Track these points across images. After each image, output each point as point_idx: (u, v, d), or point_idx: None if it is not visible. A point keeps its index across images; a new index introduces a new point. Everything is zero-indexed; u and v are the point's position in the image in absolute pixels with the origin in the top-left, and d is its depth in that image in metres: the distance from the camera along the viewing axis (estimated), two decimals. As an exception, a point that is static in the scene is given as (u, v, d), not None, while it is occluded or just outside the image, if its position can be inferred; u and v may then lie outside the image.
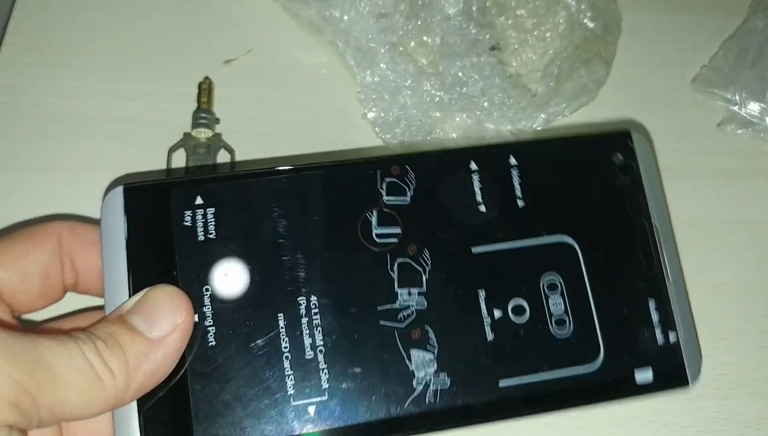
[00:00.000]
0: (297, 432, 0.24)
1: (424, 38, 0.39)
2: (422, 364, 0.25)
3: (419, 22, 0.39)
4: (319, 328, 0.25)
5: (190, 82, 0.38)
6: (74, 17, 0.40)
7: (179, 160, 0.37)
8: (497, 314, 0.26)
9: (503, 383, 0.25)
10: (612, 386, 0.26)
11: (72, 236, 0.26)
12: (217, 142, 0.37)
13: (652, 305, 0.27)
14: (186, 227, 0.25)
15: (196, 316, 0.24)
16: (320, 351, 0.25)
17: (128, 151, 0.37)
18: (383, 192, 0.26)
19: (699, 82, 0.43)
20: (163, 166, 0.36)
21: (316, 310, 0.25)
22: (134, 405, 0.23)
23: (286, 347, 0.24)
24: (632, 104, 0.42)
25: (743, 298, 0.38)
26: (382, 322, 0.25)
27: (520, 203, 0.27)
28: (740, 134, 0.42)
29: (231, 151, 0.37)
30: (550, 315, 0.26)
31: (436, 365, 0.25)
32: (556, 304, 0.26)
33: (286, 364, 0.24)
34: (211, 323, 0.24)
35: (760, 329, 0.37)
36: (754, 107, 0.42)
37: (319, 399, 0.24)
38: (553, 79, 0.39)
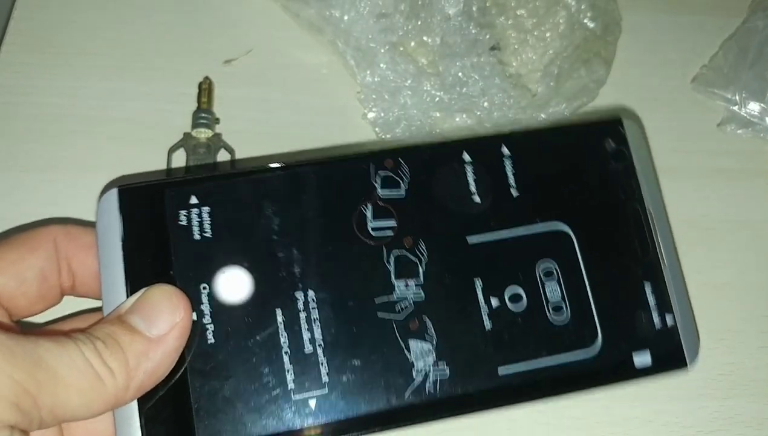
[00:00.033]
0: (299, 426, 0.24)
1: (424, 38, 0.39)
2: (421, 354, 0.25)
3: (419, 22, 0.39)
4: (318, 322, 0.25)
5: (190, 82, 0.38)
6: (74, 17, 0.40)
7: (179, 160, 0.37)
8: (494, 302, 0.26)
9: (502, 370, 0.25)
10: (611, 370, 0.26)
11: (68, 240, 0.26)
12: (217, 142, 0.37)
13: (648, 288, 0.27)
14: (181, 226, 0.25)
15: (195, 314, 0.24)
16: (319, 345, 0.25)
17: (128, 151, 0.37)
18: (377, 185, 0.27)
19: (699, 82, 0.43)
20: (163, 166, 0.36)
21: (314, 304, 0.25)
22: (135, 405, 0.23)
23: (285, 342, 0.25)
24: (632, 104, 0.42)
25: (743, 298, 0.38)
26: (380, 314, 0.25)
27: (514, 192, 0.27)
28: (740, 134, 0.42)
29: (231, 151, 0.37)
30: (547, 302, 0.26)
31: (435, 355, 0.25)
32: (553, 291, 0.26)
33: (286, 359, 0.24)
34: (210, 321, 0.24)
35: (760, 329, 0.37)
36: (754, 107, 0.42)
37: (319, 393, 0.24)
38: (553, 79, 0.39)
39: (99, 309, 0.25)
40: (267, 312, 0.25)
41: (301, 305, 0.25)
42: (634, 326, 0.26)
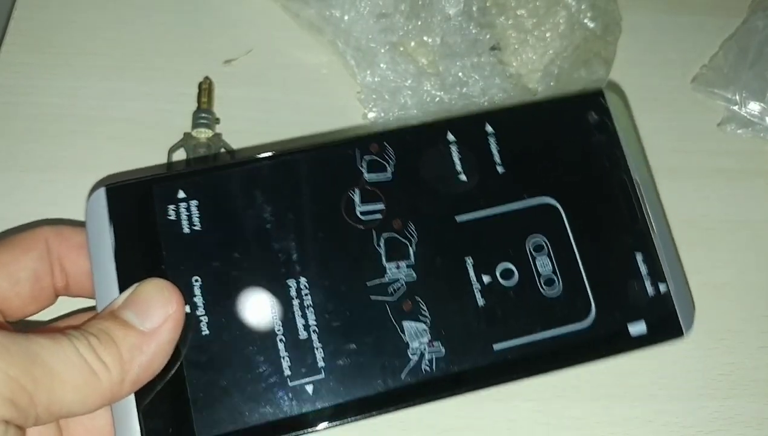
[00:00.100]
0: (296, 412, 0.24)
1: (425, 38, 0.39)
2: (416, 334, 0.25)
3: (419, 22, 0.39)
4: (311, 308, 0.25)
5: (190, 82, 0.38)
6: (74, 17, 0.40)
7: (179, 160, 0.37)
8: (486, 279, 0.26)
9: (498, 346, 0.25)
10: (607, 341, 0.26)
11: (59, 241, 0.26)
12: (217, 142, 0.37)
13: (639, 257, 0.27)
14: (170, 220, 0.25)
15: (188, 307, 0.24)
16: (314, 331, 0.25)
17: (128, 151, 0.37)
18: (364, 170, 0.27)
19: (699, 82, 0.43)
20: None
21: (307, 291, 0.25)
22: (132, 401, 0.23)
23: (279, 330, 0.25)
24: (632, 104, 0.41)
25: (743, 298, 0.38)
26: (372, 297, 0.25)
27: (500, 169, 0.27)
28: (740, 134, 0.42)
29: (231, 151, 0.37)
30: (539, 276, 0.26)
31: (429, 334, 0.25)
32: (544, 265, 0.26)
33: (281, 346, 0.25)
34: (204, 313, 0.24)
35: (760, 329, 0.37)
36: (754, 107, 0.42)
37: (316, 378, 0.24)
38: (553, 79, 0.39)
39: (93, 309, 0.25)
40: (260, 301, 0.25)
41: (294, 292, 0.25)
42: (627, 295, 0.26)
